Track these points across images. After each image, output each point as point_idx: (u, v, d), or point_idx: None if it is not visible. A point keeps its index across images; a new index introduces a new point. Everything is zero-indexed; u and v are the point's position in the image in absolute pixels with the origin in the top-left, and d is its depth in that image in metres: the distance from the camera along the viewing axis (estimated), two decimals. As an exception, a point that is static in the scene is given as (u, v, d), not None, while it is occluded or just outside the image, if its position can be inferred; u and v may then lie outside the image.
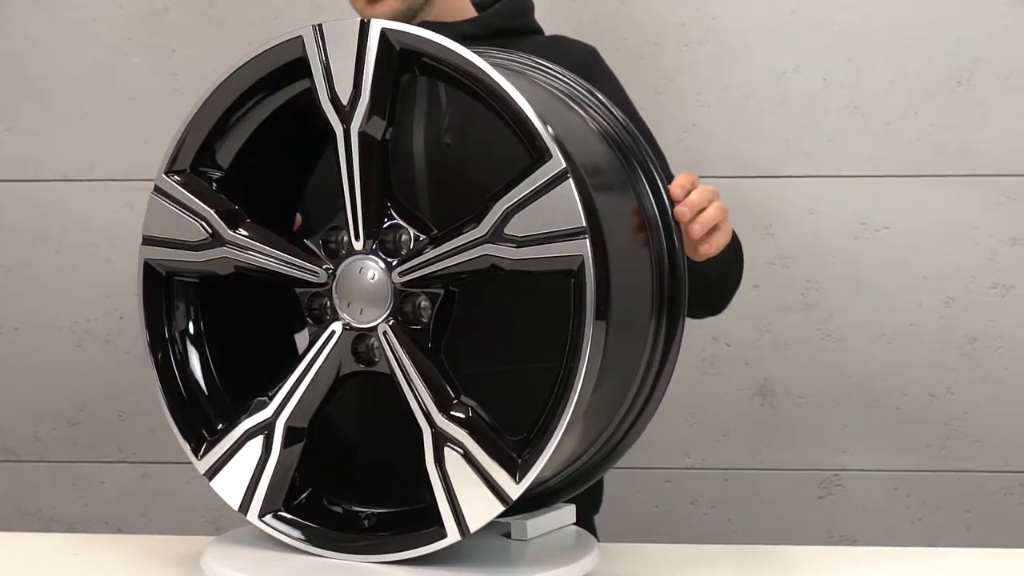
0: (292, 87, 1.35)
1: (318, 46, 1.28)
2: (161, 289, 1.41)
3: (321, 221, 1.40)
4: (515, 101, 1.22)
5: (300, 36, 1.29)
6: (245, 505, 1.37)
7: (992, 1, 2.28)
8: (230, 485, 1.38)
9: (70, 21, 2.39)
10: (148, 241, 1.40)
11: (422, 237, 1.29)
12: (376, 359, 1.32)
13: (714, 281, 1.62)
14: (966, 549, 1.88)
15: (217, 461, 1.38)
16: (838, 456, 2.36)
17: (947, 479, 2.34)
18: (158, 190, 1.40)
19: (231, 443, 1.37)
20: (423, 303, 1.30)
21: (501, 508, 1.23)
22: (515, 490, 1.22)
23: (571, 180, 1.20)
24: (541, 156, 1.21)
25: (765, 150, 2.33)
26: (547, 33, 1.80)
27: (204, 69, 2.38)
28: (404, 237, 1.30)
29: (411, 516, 1.31)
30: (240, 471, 1.37)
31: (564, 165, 1.20)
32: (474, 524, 1.24)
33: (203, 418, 1.41)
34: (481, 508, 1.23)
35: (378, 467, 1.50)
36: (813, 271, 2.34)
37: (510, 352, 1.57)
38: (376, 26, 1.25)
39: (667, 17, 2.32)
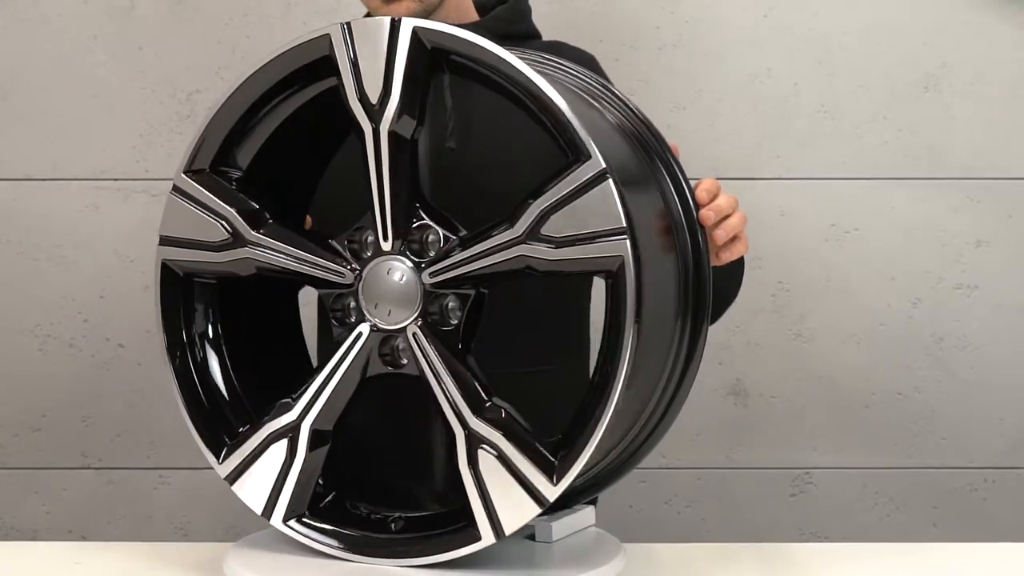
0: (316, 86, 1.33)
1: (346, 44, 1.26)
2: (179, 291, 1.39)
3: (333, 221, 1.38)
4: (553, 101, 1.22)
5: (328, 34, 1.27)
6: (268, 510, 1.35)
7: (957, 7, 2.33)
8: (252, 489, 1.37)
9: (32, 17, 2.33)
10: (166, 242, 1.38)
11: (451, 238, 1.29)
12: (403, 361, 1.31)
13: (722, 289, 1.64)
14: (933, 544, 1.92)
15: (239, 465, 1.36)
16: (809, 455, 2.39)
17: (914, 476, 2.39)
18: (177, 190, 1.37)
19: (254, 447, 1.35)
20: (452, 304, 1.29)
21: (537, 510, 1.22)
22: (552, 492, 1.21)
23: (611, 180, 1.20)
24: (578, 156, 1.21)
25: (738, 153, 2.35)
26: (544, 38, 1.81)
27: (172, 67, 2.34)
28: (432, 238, 1.29)
29: (440, 519, 1.31)
30: (263, 475, 1.35)
31: (604, 165, 1.20)
32: (509, 526, 1.23)
33: (223, 422, 1.39)
34: (517, 510, 1.23)
35: (398, 470, 1.49)
36: (784, 272, 2.37)
37: (507, 356, 1.56)
38: (408, 25, 1.24)
39: (642, 20, 2.33)
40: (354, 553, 1.32)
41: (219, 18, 2.34)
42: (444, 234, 1.29)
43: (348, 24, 1.27)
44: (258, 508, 1.36)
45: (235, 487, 1.37)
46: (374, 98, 1.27)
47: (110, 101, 2.35)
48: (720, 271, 1.51)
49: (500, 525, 1.24)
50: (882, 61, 2.34)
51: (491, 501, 1.23)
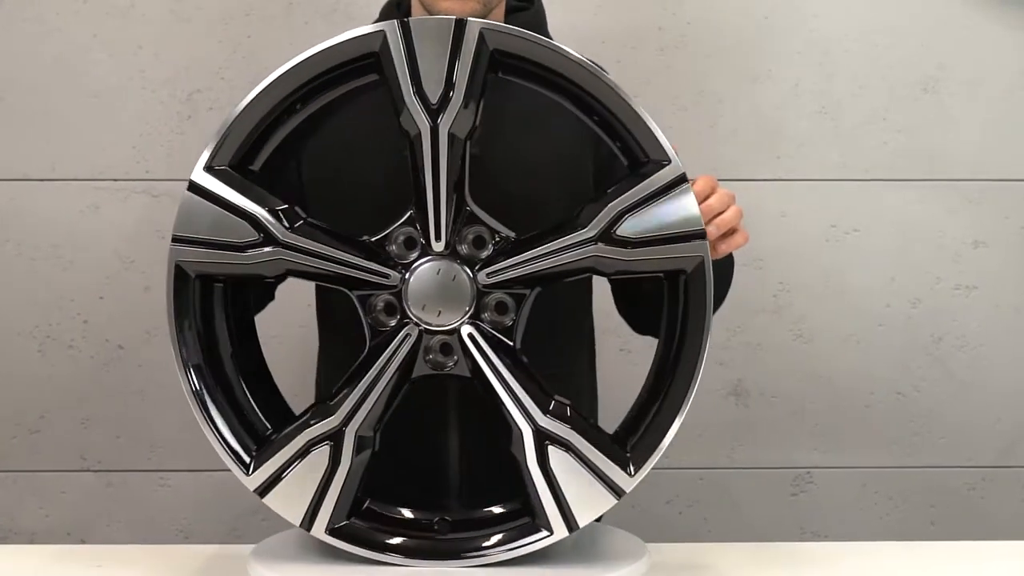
0: (348, 84, 1.32)
1: (403, 43, 1.25)
2: (192, 293, 1.33)
3: (352, 221, 1.37)
4: (631, 106, 1.26)
5: (381, 31, 1.26)
6: (308, 520, 1.30)
7: (954, 10, 2.35)
8: (288, 500, 1.31)
9: (31, 16, 2.31)
10: (180, 241, 1.31)
11: (503, 237, 1.29)
12: (451, 362, 1.29)
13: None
14: (931, 543, 1.94)
15: (272, 475, 1.30)
16: (809, 454, 2.40)
17: (913, 475, 2.41)
18: (194, 187, 1.32)
19: (290, 455, 1.29)
20: (507, 304, 1.28)
21: (613, 501, 1.26)
22: (629, 482, 1.25)
23: (690, 184, 1.26)
24: (649, 160, 1.26)
25: (739, 153, 2.36)
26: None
27: (171, 67, 2.33)
28: (478, 238, 1.29)
29: (488, 518, 1.30)
30: (301, 484, 1.30)
31: (683, 170, 1.25)
32: (583, 519, 1.26)
33: (248, 430, 1.34)
34: (590, 503, 1.25)
35: (424, 473, 1.48)
36: (785, 273, 2.38)
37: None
38: (475, 26, 1.24)
39: (644, 22, 2.34)
40: (411, 558, 1.29)
41: (220, 17, 2.33)
42: (493, 234, 1.29)
43: (406, 22, 1.26)
44: (296, 519, 1.31)
45: (267, 499, 1.31)
46: (434, 97, 1.26)
47: (110, 101, 2.33)
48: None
49: (574, 518, 1.26)
50: (881, 63, 2.35)
51: (563, 496, 1.25)
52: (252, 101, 1.31)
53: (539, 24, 1.75)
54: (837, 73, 2.36)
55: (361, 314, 1.31)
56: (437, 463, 1.49)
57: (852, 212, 2.37)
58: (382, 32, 1.26)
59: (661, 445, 1.26)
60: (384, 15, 1.69)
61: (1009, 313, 2.39)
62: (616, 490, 1.26)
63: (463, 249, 1.28)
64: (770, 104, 2.36)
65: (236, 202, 1.31)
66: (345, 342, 1.62)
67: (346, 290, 1.33)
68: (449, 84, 1.25)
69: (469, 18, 1.25)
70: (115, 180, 2.34)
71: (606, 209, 1.26)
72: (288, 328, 2.23)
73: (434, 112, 1.26)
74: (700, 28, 2.34)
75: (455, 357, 1.29)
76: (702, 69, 2.35)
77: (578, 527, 1.27)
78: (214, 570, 1.47)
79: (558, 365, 1.69)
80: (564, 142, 1.60)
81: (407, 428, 1.54)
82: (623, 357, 2.24)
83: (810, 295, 2.38)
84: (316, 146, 1.55)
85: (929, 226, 2.37)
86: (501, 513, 1.32)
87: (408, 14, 1.60)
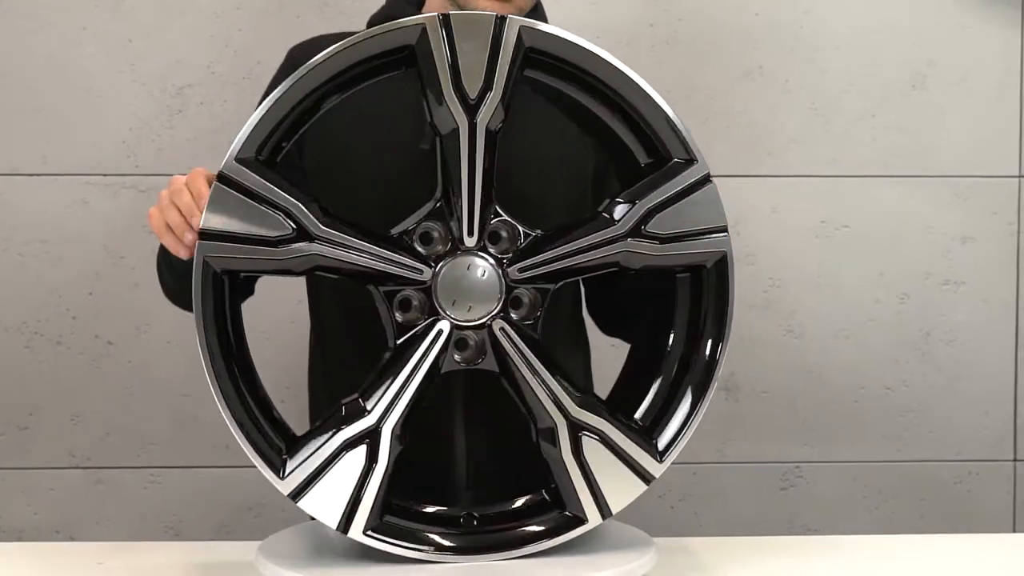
0: (377, 78, 1.30)
1: (444, 38, 1.24)
2: (219, 291, 1.29)
3: (368, 214, 1.36)
4: (662, 107, 1.32)
5: (422, 24, 1.25)
6: (346, 522, 1.27)
7: (945, 8, 2.37)
8: (324, 503, 1.27)
9: (21, 10, 2.29)
10: (209, 236, 1.26)
11: (531, 233, 1.30)
12: (481, 357, 1.29)
13: None
14: (920, 536, 1.96)
15: (306, 478, 1.27)
16: (800, 448, 2.42)
17: (902, 469, 2.43)
18: (224, 179, 1.26)
19: (325, 457, 1.26)
20: (536, 298, 1.30)
21: (644, 487, 1.30)
22: (659, 468, 1.30)
23: (714, 182, 1.31)
24: (688, 160, 1.31)
25: (731, 150, 2.37)
26: None
27: (162, 61, 2.31)
28: (505, 234, 1.29)
29: (519, 511, 1.32)
30: (337, 486, 1.27)
31: (708, 169, 1.30)
32: (616, 506, 1.30)
33: (278, 431, 1.30)
34: (623, 489, 1.29)
35: (434, 469, 1.47)
36: (776, 269, 2.39)
37: None
38: (514, 24, 1.25)
39: (636, 18, 2.34)
40: (449, 554, 1.28)
41: (211, 11, 2.31)
42: (523, 230, 1.30)
43: (447, 16, 1.25)
44: (332, 522, 1.27)
45: (301, 503, 1.28)
46: (473, 93, 1.26)
47: (100, 95, 2.31)
48: None
49: (607, 506, 1.29)
50: (872, 60, 2.37)
51: (597, 484, 1.28)
52: (286, 91, 1.27)
53: (542, 21, 1.75)
54: (828, 70, 2.37)
55: (386, 310, 1.29)
56: (445, 458, 1.49)
57: (842, 208, 2.39)
58: (421, 25, 1.24)
59: (687, 432, 1.31)
60: (390, 8, 1.68)
61: (997, 308, 2.41)
62: (646, 477, 1.30)
63: (491, 244, 1.28)
64: (761, 101, 2.37)
65: (269, 195, 1.26)
66: (344, 338, 1.62)
67: (371, 286, 1.30)
68: (488, 80, 1.25)
69: (509, 16, 1.26)
70: (105, 175, 2.32)
71: (637, 205, 1.29)
72: (278, 325, 2.22)
73: (472, 108, 1.25)
74: (692, 25, 2.35)
75: (485, 352, 1.29)
76: (694, 66, 2.36)
77: (611, 514, 1.30)
78: (215, 568, 1.46)
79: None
80: (570, 143, 1.60)
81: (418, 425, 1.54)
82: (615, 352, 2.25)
83: (801, 291, 2.40)
84: (319, 137, 1.54)
85: (918, 222, 2.39)
86: (527, 506, 1.33)
87: (420, 9, 1.60)
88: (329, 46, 1.64)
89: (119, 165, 2.32)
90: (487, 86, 1.25)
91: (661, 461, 1.30)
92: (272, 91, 1.44)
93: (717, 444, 2.41)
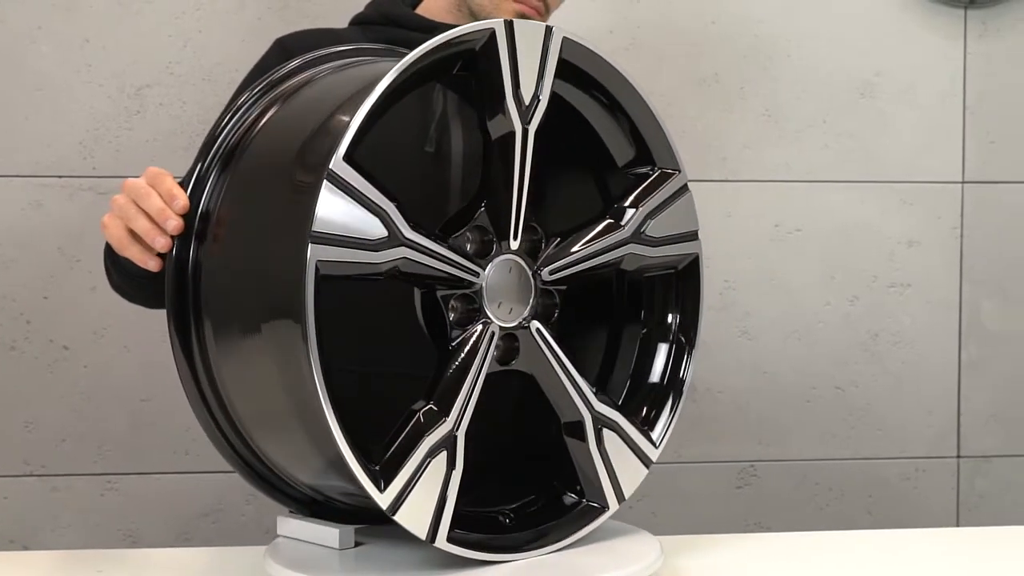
0: (431, 79, 1.30)
1: (508, 43, 1.26)
2: (330, 295, 1.16)
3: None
4: (660, 123, 1.41)
5: (491, 28, 1.25)
6: (433, 531, 1.22)
7: (891, 19, 2.45)
8: (413, 514, 1.21)
9: (-28, 6, 2.24)
10: (321, 240, 1.15)
11: (551, 235, 1.35)
12: (514, 358, 1.30)
13: None
14: (868, 531, 2.01)
15: (400, 490, 1.19)
16: (754, 447, 2.47)
17: (851, 467, 2.50)
18: (333, 178, 1.16)
19: (415, 466, 1.20)
20: (558, 299, 1.35)
21: (646, 471, 1.38)
22: (655, 453, 1.39)
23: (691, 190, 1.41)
24: (673, 170, 1.42)
25: (685, 155, 2.37)
26: None
27: (119, 61, 2.28)
28: (535, 236, 1.33)
29: (549, 506, 1.36)
30: (424, 495, 1.21)
31: (688, 178, 1.42)
32: (628, 490, 1.37)
33: (374, 442, 1.22)
34: (632, 476, 1.37)
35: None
36: (730, 272, 2.45)
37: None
38: (559, 34, 1.28)
39: (596, 24, 2.38)
40: (503, 553, 1.28)
41: (170, 11, 2.29)
42: (545, 233, 1.34)
43: (511, 22, 1.26)
44: (422, 533, 1.21)
45: (398, 516, 1.20)
46: (527, 99, 1.28)
47: (55, 95, 2.27)
48: None
49: (621, 492, 1.37)
50: (822, 69, 2.44)
51: (615, 473, 1.35)
52: (387, 88, 1.18)
53: None
54: (780, 78, 2.43)
55: (427, 314, 1.28)
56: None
57: (794, 212, 2.45)
58: (490, 29, 1.25)
59: (673, 419, 1.42)
60: (381, 8, 1.68)
61: (940, 310, 2.50)
62: (646, 461, 1.38)
63: (526, 247, 1.31)
64: (716, 107, 2.42)
65: (371, 196, 1.18)
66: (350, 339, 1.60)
67: (418, 289, 1.28)
68: (539, 87, 1.28)
69: (554, 26, 1.29)
70: (60, 177, 2.28)
71: (640, 209, 1.36)
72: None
73: (525, 114, 1.27)
74: (649, 32, 2.40)
75: (517, 353, 1.30)
76: (651, 72, 2.40)
77: (625, 499, 1.36)
78: (217, 572, 1.45)
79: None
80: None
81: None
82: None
83: (754, 293, 2.45)
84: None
85: (866, 226, 2.47)
86: (551, 499, 1.36)
87: (415, 9, 1.60)
88: (318, 39, 1.64)
89: (75, 167, 2.28)
90: (537, 93, 1.28)
91: (657, 446, 1.40)
92: (256, 77, 1.45)
93: (674, 445, 2.44)
